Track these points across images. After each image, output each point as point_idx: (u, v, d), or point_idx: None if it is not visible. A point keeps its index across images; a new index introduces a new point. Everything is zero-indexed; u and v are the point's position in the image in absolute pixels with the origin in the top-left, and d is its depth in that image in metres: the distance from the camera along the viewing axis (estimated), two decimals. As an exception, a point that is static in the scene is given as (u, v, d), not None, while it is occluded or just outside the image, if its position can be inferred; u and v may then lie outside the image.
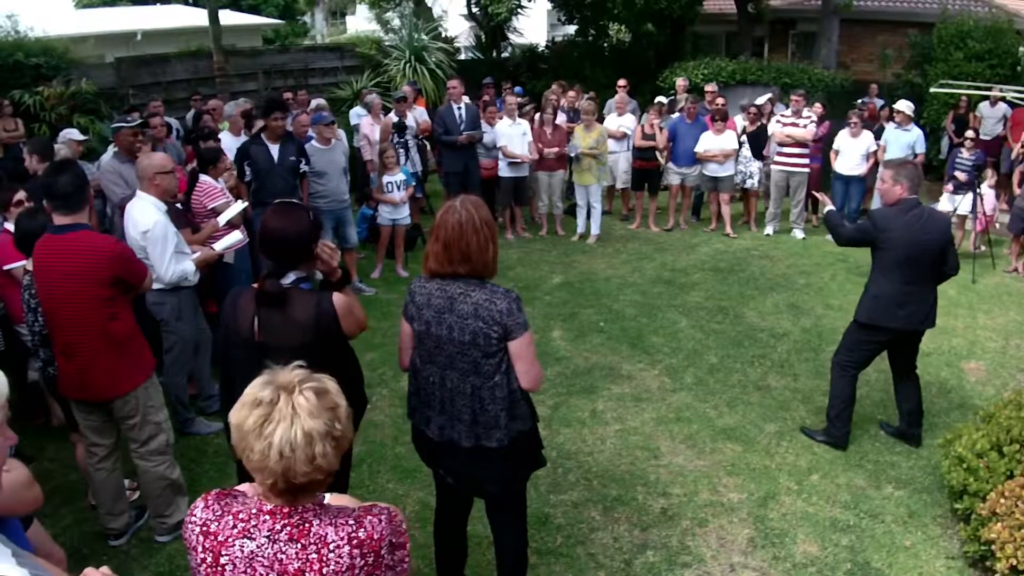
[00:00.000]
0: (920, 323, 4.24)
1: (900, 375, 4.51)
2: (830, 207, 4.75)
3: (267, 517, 1.54)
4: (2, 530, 1.99)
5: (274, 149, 6.10)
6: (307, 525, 1.53)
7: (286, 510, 1.54)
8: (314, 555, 1.51)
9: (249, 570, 1.52)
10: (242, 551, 1.52)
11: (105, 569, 1.56)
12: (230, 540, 1.54)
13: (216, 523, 1.56)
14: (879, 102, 10.06)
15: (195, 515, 1.59)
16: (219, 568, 1.54)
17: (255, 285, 2.67)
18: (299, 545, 1.51)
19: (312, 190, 6.58)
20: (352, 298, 2.76)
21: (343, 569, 1.51)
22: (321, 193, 6.61)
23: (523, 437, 2.68)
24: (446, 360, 2.62)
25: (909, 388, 4.49)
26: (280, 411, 1.48)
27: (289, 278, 2.61)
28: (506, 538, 2.98)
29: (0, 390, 1.59)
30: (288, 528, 1.52)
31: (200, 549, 1.55)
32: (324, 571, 1.50)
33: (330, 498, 1.79)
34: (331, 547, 1.51)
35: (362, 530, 1.54)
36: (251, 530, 1.53)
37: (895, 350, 4.44)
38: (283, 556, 1.51)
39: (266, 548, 1.52)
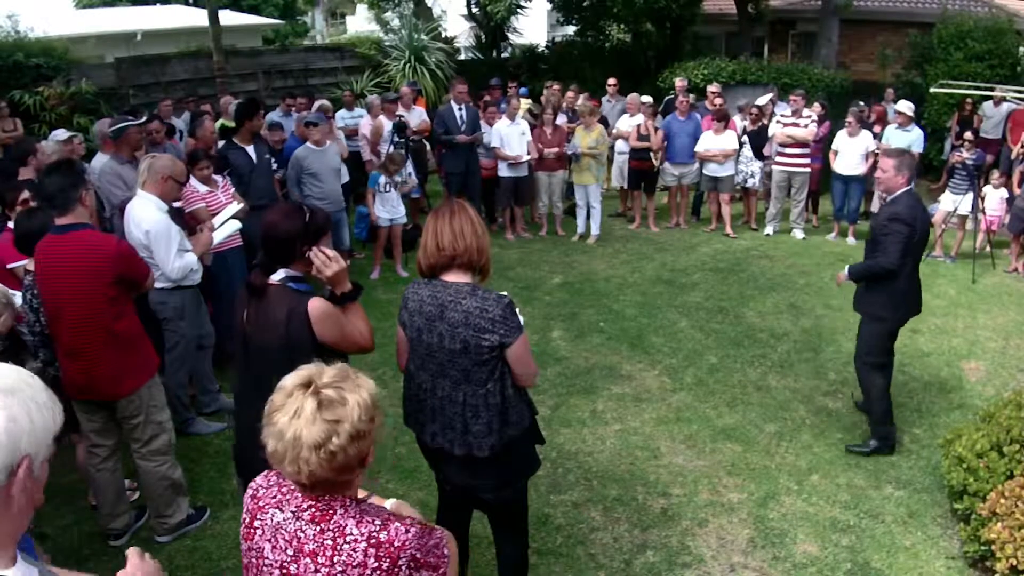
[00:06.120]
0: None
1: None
2: (844, 276, 4.59)
3: (299, 495, 1.58)
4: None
5: (250, 150, 6.06)
6: (331, 512, 1.55)
7: (315, 493, 1.56)
8: (329, 541, 1.53)
9: (273, 539, 1.58)
10: (271, 520, 1.60)
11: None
12: (265, 508, 1.62)
13: (264, 490, 1.65)
14: (893, 107, 9.47)
15: (256, 480, 1.69)
16: (252, 530, 1.63)
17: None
18: (318, 528, 1.54)
19: (308, 192, 6.57)
20: (354, 314, 2.64)
21: (355, 563, 1.52)
22: (318, 195, 6.59)
23: (516, 440, 2.64)
24: (437, 368, 2.59)
25: None
26: (288, 406, 1.49)
27: (279, 274, 2.59)
28: (507, 545, 2.97)
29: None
30: (312, 509, 1.56)
31: (245, 509, 1.67)
32: (335, 559, 1.52)
33: (392, 504, 1.82)
34: (348, 539, 1.53)
35: (384, 533, 1.53)
36: (283, 503, 1.60)
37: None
38: (301, 535, 1.55)
39: (290, 522, 1.57)
